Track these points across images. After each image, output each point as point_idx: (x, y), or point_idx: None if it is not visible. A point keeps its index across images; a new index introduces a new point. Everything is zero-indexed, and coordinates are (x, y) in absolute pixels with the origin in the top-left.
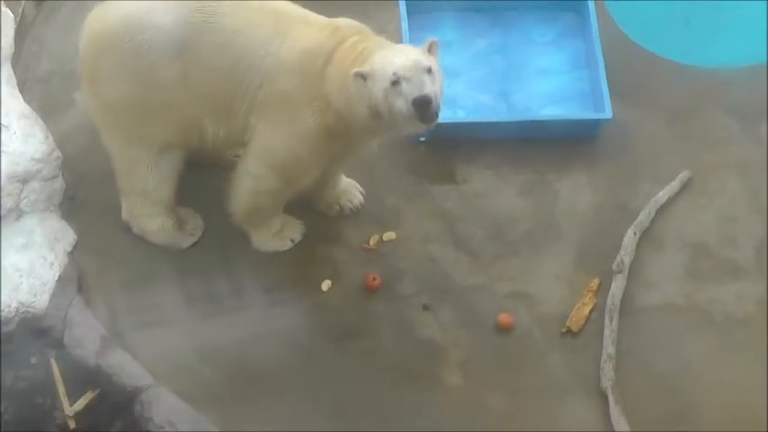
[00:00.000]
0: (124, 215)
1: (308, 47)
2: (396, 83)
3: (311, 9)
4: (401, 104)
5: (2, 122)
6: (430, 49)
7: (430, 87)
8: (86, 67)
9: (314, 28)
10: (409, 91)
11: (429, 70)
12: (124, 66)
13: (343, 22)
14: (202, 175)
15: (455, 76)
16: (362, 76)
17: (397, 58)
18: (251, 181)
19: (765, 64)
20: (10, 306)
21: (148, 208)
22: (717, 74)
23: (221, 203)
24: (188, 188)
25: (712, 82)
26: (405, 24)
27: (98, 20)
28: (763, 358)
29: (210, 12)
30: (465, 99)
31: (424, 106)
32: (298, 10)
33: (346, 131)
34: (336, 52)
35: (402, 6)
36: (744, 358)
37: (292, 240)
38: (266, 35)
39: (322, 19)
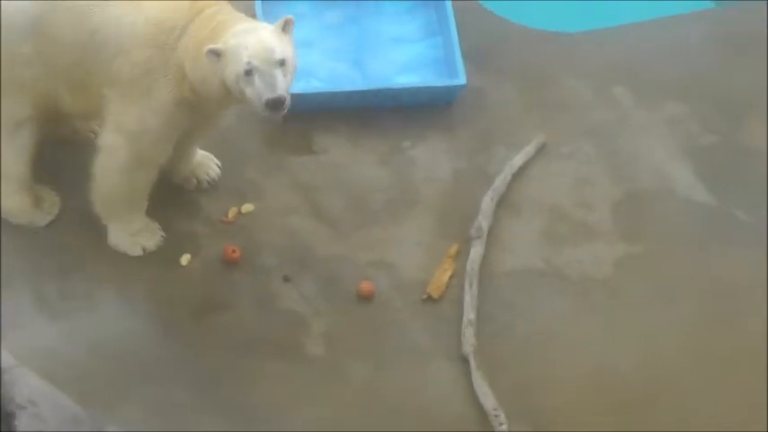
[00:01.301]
0: None
1: (163, 18)
2: (249, 72)
3: None
4: (252, 96)
5: None
6: (284, 28)
7: (282, 84)
8: None
9: (172, 1)
10: (262, 88)
11: (282, 62)
12: None
13: None
14: (60, 150)
15: (309, 47)
16: (216, 53)
17: (251, 40)
18: (105, 156)
19: (614, 28)
20: None
21: (5, 187)
22: (568, 38)
23: (80, 181)
24: (45, 164)
25: (564, 46)
26: None
27: None
28: (619, 319)
29: None
30: (319, 69)
31: (273, 107)
32: None
33: (200, 104)
34: (192, 24)
35: None
36: (601, 319)
37: (144, 248)
38: (122, 7)
39: None
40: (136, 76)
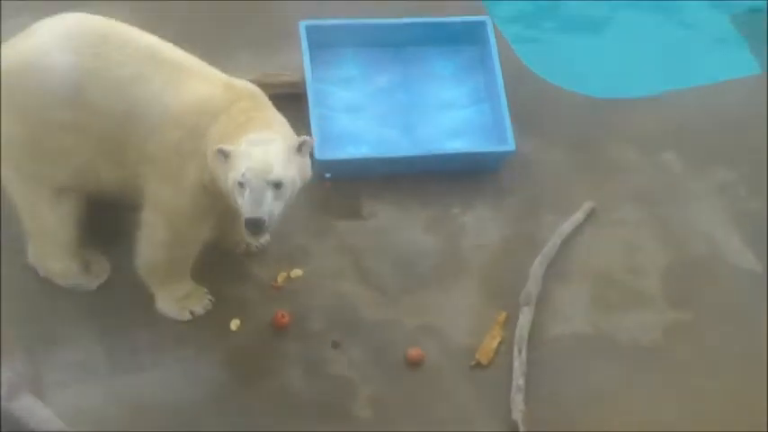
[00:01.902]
0: (30, 258)
1: (198, 101)
2: (242, 184)
3: (216, 47)
4: (240, 206)
5: None
6: (300, 148)
7: (267, 207)
8: None
9: (208, 83)
10: (247, 204)
11: (278, 185)
12: (20, 106)
13: (240, 83)
14: (110, 214)
15: (358, 112)
16: (224, 154)
17: (255, 153)
18: (146, 229)
19: (664, 95)
20: None
21: (52, 250)
22: (616, 104)
23: (129, 245)
24: (95, 229)
25: (611, 112)
26: (307, 59)
27: (3, 55)
28: (667, 386)
29: (107, 59)
30: (368, 134)
31: (251, 227)
32: (197, 63)
33: (222, 195)
34: (223, 114)
35: (304, 42)
36: (651, 385)
37: (192, 313)
38: (160, 86)
39: (219, 75)
40: (168, 156)
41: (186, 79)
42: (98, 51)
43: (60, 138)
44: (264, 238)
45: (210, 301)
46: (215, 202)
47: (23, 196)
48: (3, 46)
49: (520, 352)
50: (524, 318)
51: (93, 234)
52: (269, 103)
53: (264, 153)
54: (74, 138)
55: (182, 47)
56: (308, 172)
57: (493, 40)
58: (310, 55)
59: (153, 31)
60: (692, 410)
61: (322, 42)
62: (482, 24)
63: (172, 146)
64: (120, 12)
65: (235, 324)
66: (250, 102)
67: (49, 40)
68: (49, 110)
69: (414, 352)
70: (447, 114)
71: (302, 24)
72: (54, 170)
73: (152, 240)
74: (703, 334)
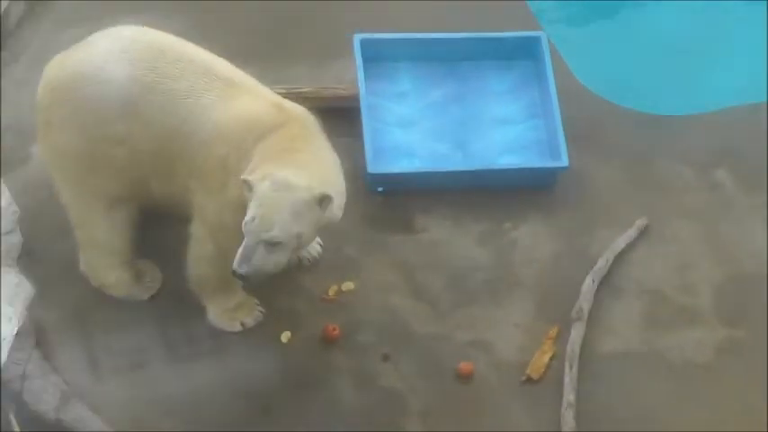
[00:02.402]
0: (82, 268)
1: (247, 119)
2: (246, 224)
3: (271, 59)
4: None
5: None
6: (321, 203)
7: (256, 262)
8: (41, 116)
9: (259, 102)
10: (241, 250)
11: (273, 243)
12: (74, 117)
13: (291, 105)
14: (162, 225)
15: (411, 126)
16: (248, 185)
17: (265, 202)
18: (193, 245)
19: (717, 112)
20: None
21: (105, 260)
22: (671, 121)
23: (181, 256)
24: (148, 239)
25: (667, 129)
26: (361, 74)
27: (55, 68)
28: (720, 404)
29: (162, 72)
30: (422, 149)
31: (237, 277)
32: (249, 81)
33: None
34: (270, 135)
35: (358, 55)
36: (702, 404)
37: (243, 324)
38: (211, 102)
39: (271, 95)
40: (215, 170)
41: (237, 96)
42: (153, 65)
43: (114, 150)
44: (316, 250)
45: (261, 312)
46: None
47: (77, 207)
48: (59, 57)
49: (571, 368)
50: (576, 333)
51: (146, 245)
52: (317, 131)
53: (273, 206)
54: (127, 150)
55: (238, 59)
56: (333, 219)
57: (548, 55)
58: (365, 68)
59: (209, 43)
60: (746, 429)
61: (376, 56)
62: (537, 40)
63: (218, 161)
64: (176, 25)
65: (285, 336)
66: (298, 128)
67: (105, 51)
68: (103, 122)
69: (464, 366)
70: (501, 129)
71: (357, 38)
72: (107, 182)
73: (199, 253)
74: (756, 352)
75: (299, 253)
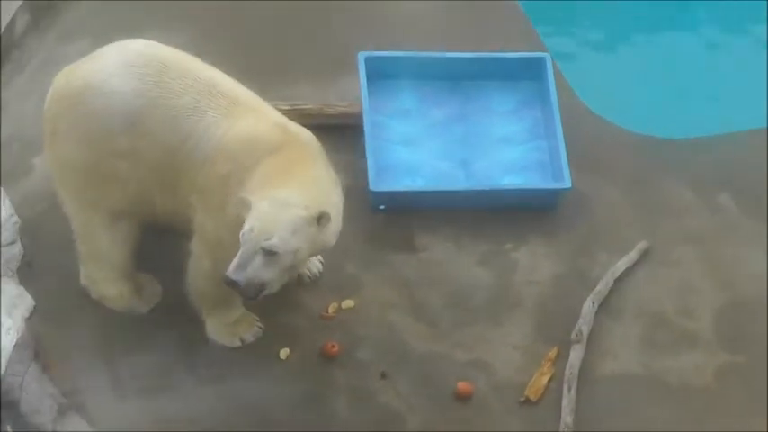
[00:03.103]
0: (82, 280)
1: (250, 138)
2: (242, 237)
3: (274, 76)
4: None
5: None
6: (320, 221)
7: (251, 272)
8: (47, 126)
9: (263, 122)
10: (232, 262)
11: (271, 253)
12: (79, 128)
13: (295, 127)
14: (163, 239)
15: (414, 144)
16: (244, 204)
17: (264, 215)
18: (193, 261)
19: (720, 136)
20: None
21: (105, 273)
22: (674, 144)
23: (181, 270)
24: (148, 253)
25: (670, 152)
26: (364, 90)
27: (63, 79)
28: (718, 429)
29: (168, 88)
30: (424, 167)
31: (227, 284)
32: (254, 101)
33: None
34: (271, 156)
35: (362, 72)
36: (701, 429)
37: (242, 340)
38: (216, 120)
39: (275, 116)
40: (215, 187)
41: (241, 115)
42: (159, 79)
43: (117, 163)
44: (316, 267)
45: (260, 328)
46: None
47: (79, 219)
48: (69, 68)
49: (569, 389)
50: (575, 355)
51: (146, 258)
52: (319, 154)
53: (273, 219)
54: (130, 165)
55: (242, 75)
56: (327, 242)
57: (551, 76)
58: (368, 86)
59: (213, 58)
60: None
61: (380, 73)
62: (541, 61)
63: (219, 178)
64: (181, 39)
65: (284, 353)
66: (300, 151)
67: (112, 64)
68: (108, 134)
69: (463, 386)
70: (503, 150)
71: (361, 55)
72: (110, 195)
73: (198, 269)
74: (756, 377)
75: (294, 273)
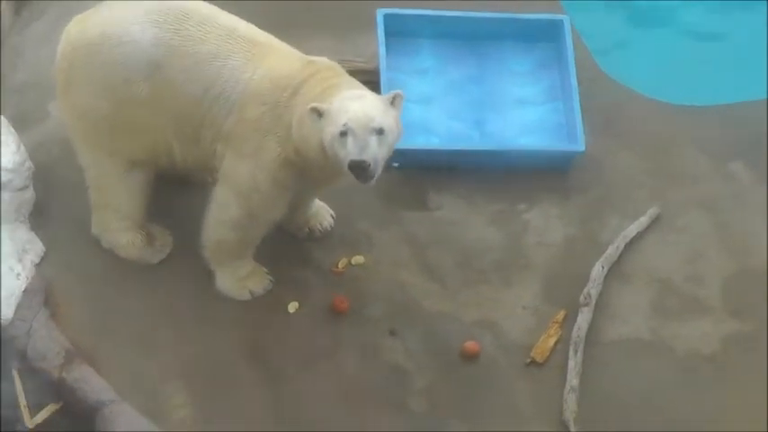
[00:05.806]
0: (94, 229)
1: (279, 76)
2: (344, 133)
3: (292, 30)
4: (342, 157)
5: None
6: (393, 101)
7: (372, 151)
8: (61, 76)
9: (286, 60)
10: (351, 149)
11: (380, 131)
12: (97, 78)
13: (318, 59)
14: (176, 191)
15: (430, 103)
16: (318, 113)
17: (353, 106)
18: (217, 209)
19: (736, 104)
20: None
21: (118, 222)
22: (689, 111)
23: (193, 222)
24: (161, 204)
25: (685, 119)
26: (382, 48)
27: (77, 28)
28: (724, 396)
29: (188, 36)
30: (439, 126)
31: (358, 170)
32: (275, 42)
33: (304, 167)
34: (305, 84)
35: (380, 29)
36: (706, 394)
37: (252, 293)
38: (240, 64)
39: (296, 53)
40: (247, 132)
41: (265, 56)
42: (179, 27)
43: (136, 112)
44: (328, 221)
45: (271, 281)
46: (294, 178)
47: (94, 168)
48: (80, 17)
49: (576, 352)
50: (583, 318)
51: (158, 209)
52: (343, 70)
53: (362, 105)
54: (150, 114)
55: (260, 29)
56: (401, 126)
57: (569, 39)
58: (386, 43)
59: (232, 12)
60: (748, 423)
61: (399, 31)
62: (559, 23)
63: (251, 123)
64: None
65: (293, 306)
66: (330, 71)
67: (130, 13)
68: (127, 83)
69: (470, 345)
70: (519, 111)
71: (380, 12)
72: (128, 144)
73: (222, 218)
74: (762, 345)
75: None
